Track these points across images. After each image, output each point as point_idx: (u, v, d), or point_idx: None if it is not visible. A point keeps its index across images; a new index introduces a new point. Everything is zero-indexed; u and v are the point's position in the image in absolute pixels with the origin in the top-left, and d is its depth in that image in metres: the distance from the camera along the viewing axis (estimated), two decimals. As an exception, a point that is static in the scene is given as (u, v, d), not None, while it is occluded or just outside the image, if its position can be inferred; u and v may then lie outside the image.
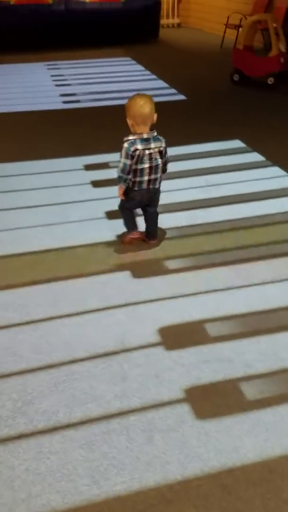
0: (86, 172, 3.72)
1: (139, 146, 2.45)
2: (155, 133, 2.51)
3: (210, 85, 6.23)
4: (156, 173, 2.55)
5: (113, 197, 3.30)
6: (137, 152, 2.45)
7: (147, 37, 9.23)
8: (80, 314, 2.20)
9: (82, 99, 5.65)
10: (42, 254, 2.66)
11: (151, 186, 2.58)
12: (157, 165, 2.53)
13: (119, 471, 1.52)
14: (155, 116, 2.50)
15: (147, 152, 2.47)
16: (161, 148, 2.53)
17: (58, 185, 3.51)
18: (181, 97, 5.72)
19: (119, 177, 2.53)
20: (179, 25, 11.21)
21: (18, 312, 2.21)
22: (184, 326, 2.11)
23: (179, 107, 5.34)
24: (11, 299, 2.30)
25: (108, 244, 2.75)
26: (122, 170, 2.49)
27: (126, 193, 2.62)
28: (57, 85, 6.32)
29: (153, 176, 2.55)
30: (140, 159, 2.47)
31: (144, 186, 2.57)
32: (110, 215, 3.07)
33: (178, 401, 1.75)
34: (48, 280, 2.43)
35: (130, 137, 2.48)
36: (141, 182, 2.55)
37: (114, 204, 3.19)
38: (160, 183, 2.63)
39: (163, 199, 3.26)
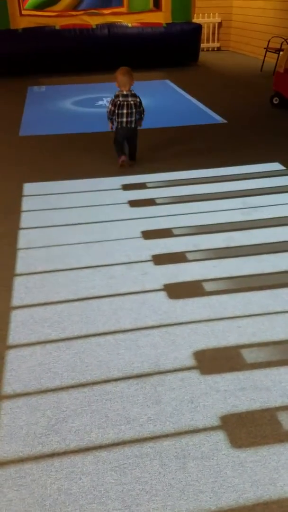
0: (123, 191, 3.76)
1: (120, 99, 4.00)
2: (133, 92, 4.02)
3: (250, 108, 6.24)
4: (131, 117, 4.04)
5: (148, 217, 3.33)
6: (118, 102, 3.99)
7: (187, 60, 9.37)
8: (115, 333, 2.20)
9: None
10: (80, 271, 2.69)
11: (128, 125, 4.07)
12: (132, 112, 4.02)
13: (152, 497, 1.49)
14: (133, 81, 4.01)
15: (125, 103, 3.99)
16: (136, 101, 4.02)
17: (96, 204, 3.56)
18: (221, 119, 5.74)
19: (107, 116, 4.10)
20: (219, 48, 11.34)
21: (54, 329, 2.23)
22: (220, 350, 2.08)
23: (218, 130, 5.36)
24: (48, 315, 2.32)
25: (144, 263, 2.76)
26: (108, 112, 4.07)
27: (116, 130, 4.12)
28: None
29: (129, 118, 4.04)
30: (120, 107, 3.99)
31: (124, 125, 4.06)
32: (146, 234, 3.08)
33: (213, 428, 1.71)
34: (84, 298, 2.45)
35: (116, 93, 4.01)
36: (122, 122, 4.05)
37: (150, 224, 3.22)
38: (135, 124, 4.11)
39: (201, 220, 3.27)
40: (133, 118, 4.06)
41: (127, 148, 4.24)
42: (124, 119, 4.02)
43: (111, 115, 4.05)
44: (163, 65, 9.07)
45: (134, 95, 4.02)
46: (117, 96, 4.00)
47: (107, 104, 4.09)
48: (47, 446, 1.66)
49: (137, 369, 1.98)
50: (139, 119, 4.12)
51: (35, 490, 1.51)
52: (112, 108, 4.01)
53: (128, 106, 3.99)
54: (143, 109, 4.11)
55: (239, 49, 10.91)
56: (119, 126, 4.06)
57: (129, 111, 4.00)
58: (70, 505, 1.47)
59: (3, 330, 2.22)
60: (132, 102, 4.00)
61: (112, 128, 4.16)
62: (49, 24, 8.55)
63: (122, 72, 3.97)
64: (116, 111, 4.00)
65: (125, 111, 3.98)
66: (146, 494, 1.50)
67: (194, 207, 3.47)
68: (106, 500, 1.48)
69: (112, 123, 4.11)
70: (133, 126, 4.09)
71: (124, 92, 3.99)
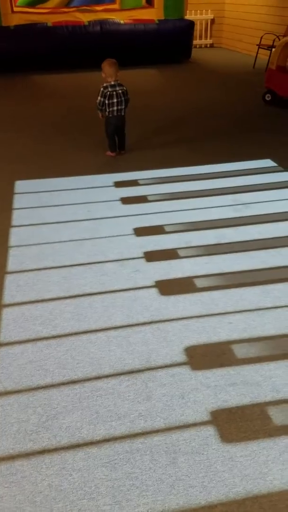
0: (115, 189, 3.76)
1: (109, 89, 4.19)
2: (118, 81, 4.23)
3: (242, 104, 6.25)
4: (121, 105, 4.26)
5: (141, 214, 3.34)
6: (108, 93, 4.18)
7: (180, 57, 9.36)
8: (106, 330, 2.21)
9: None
10: (71, 269, 2.69)
11: (119, 113, 4.28)
12: (121, 100, 4.25)
13: (142, 492, 1.49)
14: (118, 73, 4.22)
15: (114, 92, 4.20)
16: (123, 90, 4.25)
17: (88, 201, 3.56)
18: (213, 116, 5.75)
19: (98, 107, 4.28)
20: (211, 45, 11.33)
21: (46, 326, 2.23)
22: (211, 346, 2.09)
23: (211, 126, 5.36)
24: (39, 313, 2.32)
25: (136, 260, 2.76)
26: (98, 104, 4.25)
27: (107, 120, 4.31)
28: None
29: (119, 107, 4.26)
30: (110, 97, 4.19)
31: (115, 113, 4.27)
32: (138, 232, 3.08)
33: (203, 424, 1.72)
34: (76, 295, 2.45)
35: (105, 84, 4.21)
36: (113, 111, 4.25)
37: (142, 221, 3.22)
38: (124, 112, 4.31)
39: (193, 217, 3.28)
40: (123, 106, 4.28)
41: (117, 140, 4.41)
42: (115, 108, 4.24)
43: (101, 106, 4.25)
44: (156, 62, 9.05)
45: (121, 84, 4.24)
46: (105, 88, 4.19)
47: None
48: (38, 443, 1.66)
49: (128, 365, 1.99)
50: (125, 107, 4.32)
51: (25, 486, 1.52)
52: (102, 99, 4.21)
53: (118, 95, 4.21)
54: (128, 98, 4.31)
55: (231, 46, 10.91)
56: (111, 115, 4.26)
57: (119, 99, 4.23)
58: (60, 501, 1.47)
59: (-6, 328, 2.22)
60: (120, 91, 4.22)
61: (102, 117, 4.34)
62: (41, 21, 8.51)
63: (109, 63, 4.20)
64: (106, 102, 4.20)
65: (115, 100, 4.21)
66: (136, 489, 1.50)
67: (186, 204, 3.48)
68: (96, 496, 1.49)
69: (102, 113, 4.30)
70: (122, 114, 4.31)
71: (112, 83, 4.19)
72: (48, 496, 1.49)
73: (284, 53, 6.03)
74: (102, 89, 4.19)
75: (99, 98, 4.21)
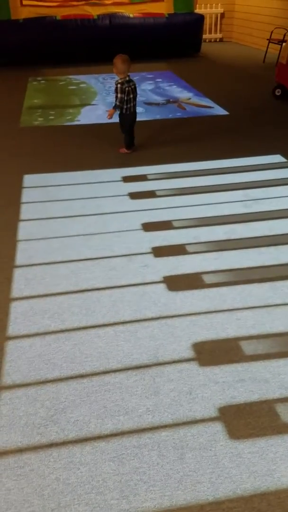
0: (124, 183, 3.75)
1: (126, 84, 4.13)
2: (129, 77, 4.17)
3: (252, 99, 6.20)
4: (135, 100, 4.25)
5: (149, 209, 3.32)
6: (127, 88, 4.13)
7: (189, 51, 9.30)
8: (114, 325, 2.20)
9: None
10: (79, 263, 2.68)
11: (133, 109, 4.25)
12: (135, 96, 4.23)
13: (149, 487, 1.50)
14: (129, 68, 4.15)
15: (129, 88, 4.14)
16: (135, 85, 4.22)
17: (96, 196, 3.55)
18: (222, 111, 5.71)
19: (118, 106, 4.15)
20: (221, 39, 11.24)
21: (54, 320, 2.23)
22: (219, 342, 2.08)
23: (220, 122, 5.32)
24: (47, 307, 2.32)
25: (144, 255, 2.75)
26: (120, 101, 4.14)
27: (124, 117, 4.25)
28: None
29: (134, 102, 4.25)
30: (127, 93, 4.13)
31: (132, 109, 4.24)
32: (147, 227, 3.08)
33: (211, 420, 1.71)
34: (84, 290, 2.45)
35: (120, 80, 4.13)
36: (129, 107, 4.21)
37: (151, 216, 3.21)
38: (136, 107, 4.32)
39: (202, 212, 3.26)
40: (136, 102, 4.26)
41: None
42: (132, 104, 4.21)
43: (122, 103, 4.15)
44: (165, 56, 9.00)
45: (132, 80, 4.21)
46: (123, 84, 4.12)
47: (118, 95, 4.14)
48: (45, 437, 1.66)
49: (136, 360, 1.99)
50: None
51: (33, 480, 1.52)
52: (123, 96, 4.12)
53: (131, 91, 4.18)
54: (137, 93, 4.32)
55: (241, 40, 10.81)
56: (128, 112, 4.22)
57: (133, 95, 4.21)
58: (68, 495, 1.48)
59: (2, 321, 2.23)
60: (133, 87, 4.19)
61: (110, 117, 4.20)
62: (50, 15, 8.48)
63: (123, 60, 4.10)
64: (125, 98, 4.14)
65: (131, 95, 4.18)
66: (144, 484, 1.50)
67: (195, 199, 3.46)
68: (104, 490, 1.49)
69: (121, 110, 4.21)
70: (135, 109, 4.30)
71: (127, 78, 4.15)
72: (56, 489, 1.49)
73: (295, 47, 5.97)
74: (119, 85, 4.10)
75: (119, 95, 4.10)
